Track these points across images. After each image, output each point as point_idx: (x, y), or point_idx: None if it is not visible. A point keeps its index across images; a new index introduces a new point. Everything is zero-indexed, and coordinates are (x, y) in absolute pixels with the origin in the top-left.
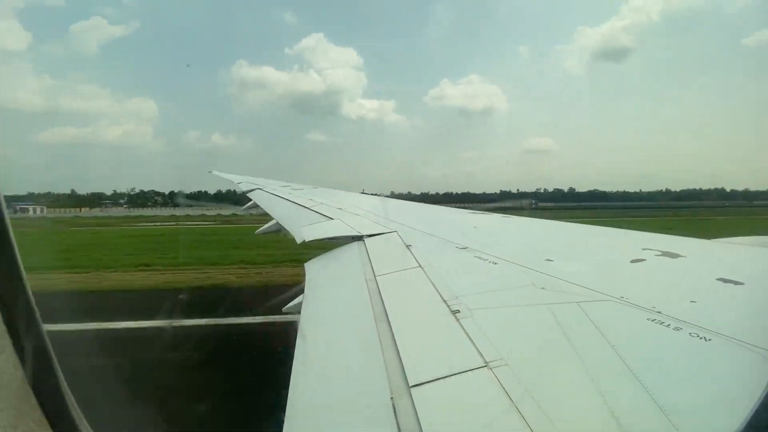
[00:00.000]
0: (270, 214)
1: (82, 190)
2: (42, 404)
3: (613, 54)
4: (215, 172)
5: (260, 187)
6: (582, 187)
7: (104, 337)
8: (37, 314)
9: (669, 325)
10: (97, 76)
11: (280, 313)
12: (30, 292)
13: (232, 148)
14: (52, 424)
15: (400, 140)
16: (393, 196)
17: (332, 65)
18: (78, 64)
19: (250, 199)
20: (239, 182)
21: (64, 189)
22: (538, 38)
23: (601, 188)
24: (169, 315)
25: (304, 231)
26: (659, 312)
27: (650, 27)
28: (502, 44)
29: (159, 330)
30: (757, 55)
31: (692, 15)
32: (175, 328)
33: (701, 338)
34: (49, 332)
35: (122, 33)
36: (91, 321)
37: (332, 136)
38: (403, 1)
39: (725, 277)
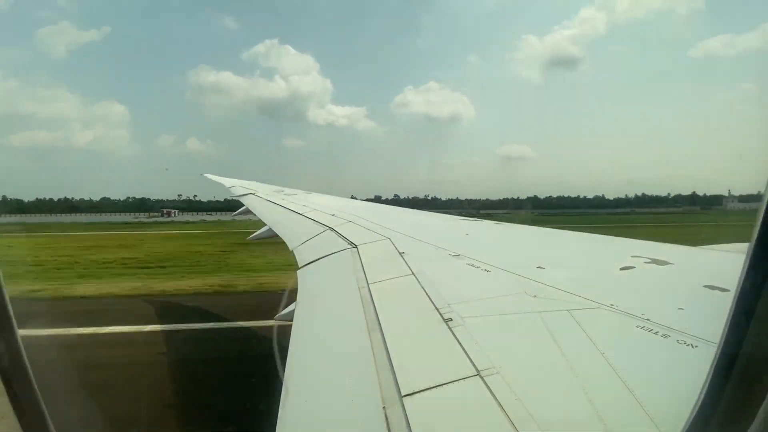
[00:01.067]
0: (264, 221)
1: (60, 194)
2: (16, 409)
3: (564, 62)
4: (208, 176)
5: (253, 192)
6: (545, 193)
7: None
8: (13, 320)
9: (657, 332)
10: (65, 79)
11: (272, 320)
12: (7, 299)
13: (207, 153)
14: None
15: (374, 146)
16: (377, 200)
17: (297, 72)
18: (44, 66)
19: (242, 204)
20: (231, 186)
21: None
22: (486, 46)
23: (565, 194)
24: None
25: (301, 250)
26: (648, 319)
27: (597, 37)
28: (453, 52)
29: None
30: (703, 66)
31: (637, 26)
32: (168, 333)
33: (688, 345)
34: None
35: (91, 38)
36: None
37: (307, 142)
38: (357, 7)
39: (712, 284)
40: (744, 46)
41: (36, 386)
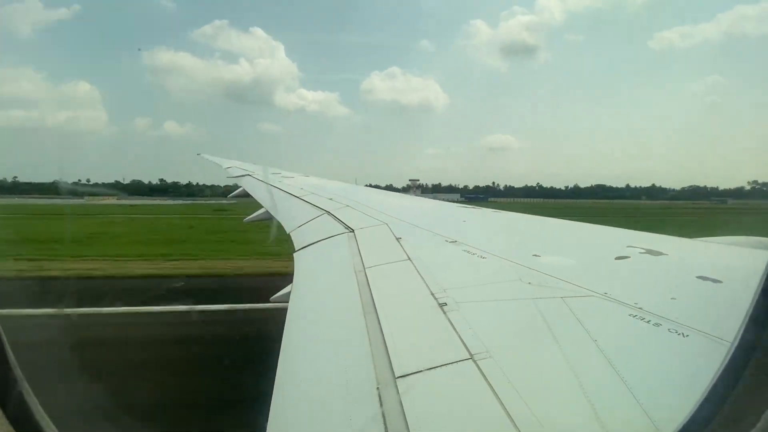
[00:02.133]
0: (262, 203)
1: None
2: None
3: (521, 50)
4: (204, 156)
5: (250, 174)
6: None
7: None
8: None
9: (649, 321)
10: (32, 59)
11: (268, 302)
12: None
13: (186, 135)
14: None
15: (349, 133)
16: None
17: (262, 55)
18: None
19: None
20: (228, 167)
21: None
22: (438, 32)
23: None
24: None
25: (298, 233)
26: (640, 308)
27: (554, 25)
28: (404, 38)
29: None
30: (663, 56)
31: (593, 15)
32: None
33: (679, 334)
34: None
35: (59, 17)
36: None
37: (284, 127)
38: None
39: (705, 276)
40: (702, 37)
41: (17, 370)
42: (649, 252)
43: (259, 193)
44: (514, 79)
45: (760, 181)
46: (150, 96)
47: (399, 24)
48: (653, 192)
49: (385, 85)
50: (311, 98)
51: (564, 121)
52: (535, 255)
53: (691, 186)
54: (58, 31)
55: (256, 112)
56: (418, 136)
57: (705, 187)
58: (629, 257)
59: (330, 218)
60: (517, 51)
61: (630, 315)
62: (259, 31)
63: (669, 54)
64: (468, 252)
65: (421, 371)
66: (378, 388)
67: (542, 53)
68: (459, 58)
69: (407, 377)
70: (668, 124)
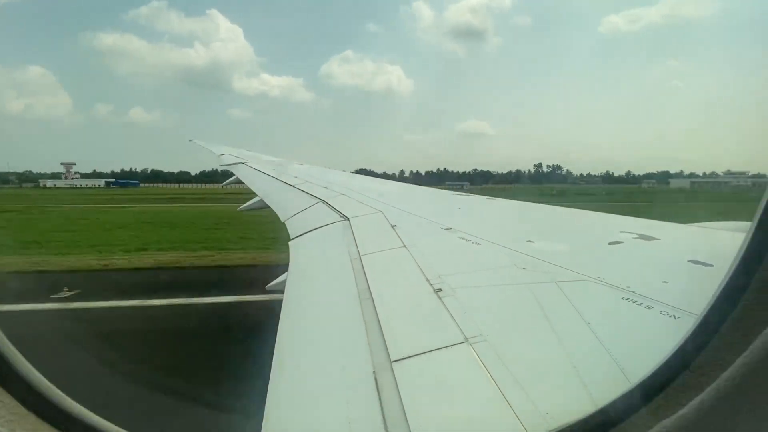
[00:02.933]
0: (256, 192)
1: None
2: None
3: (469, 33)
4: (196, 141)
5: (244, 162)
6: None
7: None
8: None
9: (641, 303)
10: None
11: (263, 291)
12: None
13: (154, 122)
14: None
15: (317, 119)
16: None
17: (220, 39)
18: None
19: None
20: (221, 154)
21: None
22: (383, 15)
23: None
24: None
25: (293, 222)
26: (633, 291)
27: (499, 9)
28: (350, 21)
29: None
30: (611, 41)
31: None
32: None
33: (670, 316)
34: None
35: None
36: None
37: (255, 114)
38: None
39: (696, 260)
40: (648, 21)
41: (15, 352)
42: (642, 237)
43: (253, 181)
44: (473, 63)
45: (733, 170)
46: (104, 81)
47: (342, 5)
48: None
49: (343, 69)
50: (274, 83)
51: (526, 106)
52: (529, 241)
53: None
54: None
55: (214, 96)
56: (390, 121)
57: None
58: (622, 242)
59: (325, 207)
60: (467, 34)
61: (622, 298)
62: (215, 13)
63: (620, 38)
64: (463, 239)
65: (416, 355)
66: (374, 372)
67: (492, 37)
68: (410, 41)
69: (403, 361)
70: (626, 109)
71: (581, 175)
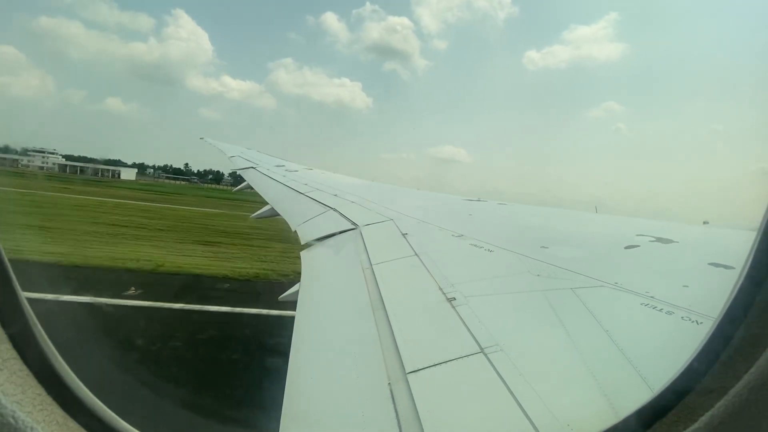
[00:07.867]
0: (266, 199)
1: None
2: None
3: (392, 53)
4: (207, 140)
5: (254, 166)
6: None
7: None
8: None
9: (662, 309)
10: None
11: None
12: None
13: (129, 112)
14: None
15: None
16: None
17: (179, 36)
18: None
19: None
20: (232, 156)
21: None
22: (306, 27)
23: None
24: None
25: (304, 230)
26: (652, 297)
27: (417, 32)
28: (271, 32)
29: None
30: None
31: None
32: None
33: (693, 321)
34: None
35: None
36: None
37: (224, 114)
38: None
39: (717, 262)
40: (561, 57)
41: (38, 326)
42: (660, 240)
43: (263, 188)
44: (417, 80)
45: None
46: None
47: (269, 14)
48: None
49: (290, 78)
50: (235, 86)
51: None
52: (543, 247)
53: None
54: None
55: (164, 92)
56: (350, 136)
57: None
58: (639, 246)
59: (336, 215)
60: (387, 53)
61: (642, 304)
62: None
63: (543, 74)
64: (475, 246)
65: (431, 366)
66: (389, 384)
67: (414, 58)
68: (334, 53)
69: (417, 372)
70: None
71: None
